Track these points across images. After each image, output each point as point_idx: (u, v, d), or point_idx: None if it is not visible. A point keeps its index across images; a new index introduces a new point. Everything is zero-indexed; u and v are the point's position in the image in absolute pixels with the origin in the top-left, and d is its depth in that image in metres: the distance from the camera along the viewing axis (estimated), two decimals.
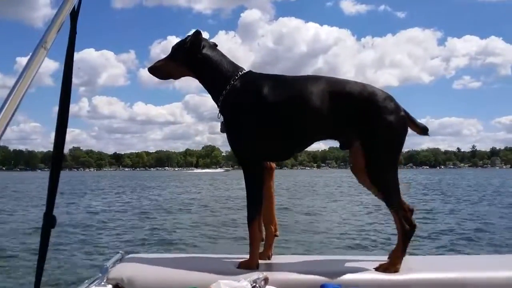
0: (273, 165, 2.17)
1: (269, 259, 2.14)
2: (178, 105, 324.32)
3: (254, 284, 1.73)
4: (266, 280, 1.78)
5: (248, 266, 1.96)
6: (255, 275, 1.81)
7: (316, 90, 1.99)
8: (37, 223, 11.97)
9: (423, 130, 2.14)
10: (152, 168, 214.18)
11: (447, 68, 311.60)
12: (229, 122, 2.08)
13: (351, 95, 2.00)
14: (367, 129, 1.99)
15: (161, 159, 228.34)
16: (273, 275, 1.83)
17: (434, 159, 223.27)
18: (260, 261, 2.02)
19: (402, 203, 2.04)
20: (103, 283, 1.82)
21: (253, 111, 2.01)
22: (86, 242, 10.04)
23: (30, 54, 1.31)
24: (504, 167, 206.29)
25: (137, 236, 11.22)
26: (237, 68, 2.12)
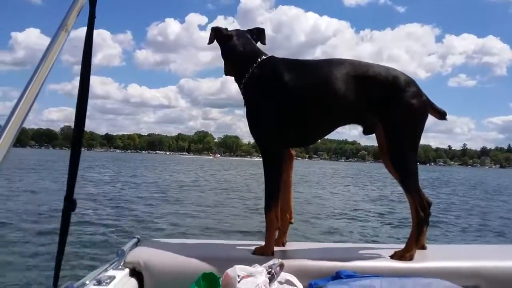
0: (293, 152, 2.15)
1: (283, 245, 2.13)
2: (173, 88, 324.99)
3: (270, 269, 1.71)
4: (281, 266, 1.76)
5: (263, 252, 1.96)
6: (270, 261, 1.81)
7: (340, 73, 1.97)
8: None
9: (442, 115, 2.15)
10: (143, 151, 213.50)
11: (444, 65, 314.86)
12: (249, 108, 2.06)
13: (375, 79, 1.99)
14: (389, 112, 1.99)
15: (153, 143, 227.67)
16: (288, 261, 1.81)
17: (424, 156, 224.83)
18: (275, 248, 2.02)
19: (419, 189, 2.03)
20: (120, 267, 1.81)
21: (273, 96, 1.99)
22: (101, 225, 10.00)
23: (52, 36, 1.33)
24: (494, 167, 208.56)
25: (154, 220, 11.21)
26: (258, 54, 2.10)
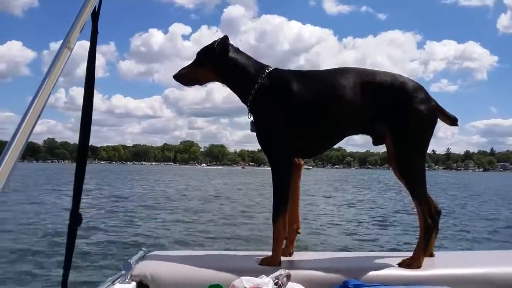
0: (302, 162, 2.14)
1: (290, 255, 2.11)
2: (157, 98, 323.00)
3: (277, 280, 1.70)
4: (288, 277, 1.75)
5: (270, 262, 1.93)
6: (277, 272, 1.79)
7: (347, 82, 1.97)
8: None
9: (453, 121, 2.13)
10: (128, 162, 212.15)
11: (426, 71, 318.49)
12: (259, 120, 2.04)
13: (382, 86, 1.98)
14: (397, 119, 1.97)
15: (138, 153, 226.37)
16: (295, 272, 1.80)
17: None
18: (282, 258, 1.99)
19: (427, 196, 2.01)
20: (127, 280, 1.80)
21: (284, 107, 1.98)
22: (106, 238, 9.95)
23: (55, 54, 1.34)
24: (477, 170, 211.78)
25: (160, 232, 11.17)
26: (263, 66, 2.09)
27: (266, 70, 2.06)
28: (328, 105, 1.97)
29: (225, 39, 2.07)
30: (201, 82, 2.19)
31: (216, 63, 2.09)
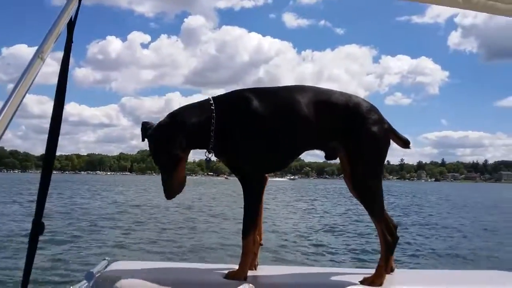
0: (266, 176, 2.11)
1: (255, 269, 2.09)
2: (114, 107, 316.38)
3: None
4: None
5: (236, 276, 1.90)
6: (242, 286, 1.78)
7: (303, 100, 1.97)
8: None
9: (405, 143, 2.19)
10: (82, 172, 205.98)
11: (381, 85, 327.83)
12: (229, 146, 1.95)
13: (336, 106, 2.00)
14: (351, 139, 2.00)
15: (93, 163, 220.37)
16: (259, 286, 1.79)
17: None
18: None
19: (385, 214, 2.04)
20: None
21: (243, 129, 1.93)
22: (68, 247, 9.73)
23: (27, 64, 1.33)
24: (429, 180, 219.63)
25: (124, 242, 10.96)
26: (207, 103, 1.96)
27: (211, 102, 1.95)
28: (285, 122, 1.96)
29: (160, 128, 1.88)
30: (183, 172, 1.95)
31: (176, 149, 1.86)
